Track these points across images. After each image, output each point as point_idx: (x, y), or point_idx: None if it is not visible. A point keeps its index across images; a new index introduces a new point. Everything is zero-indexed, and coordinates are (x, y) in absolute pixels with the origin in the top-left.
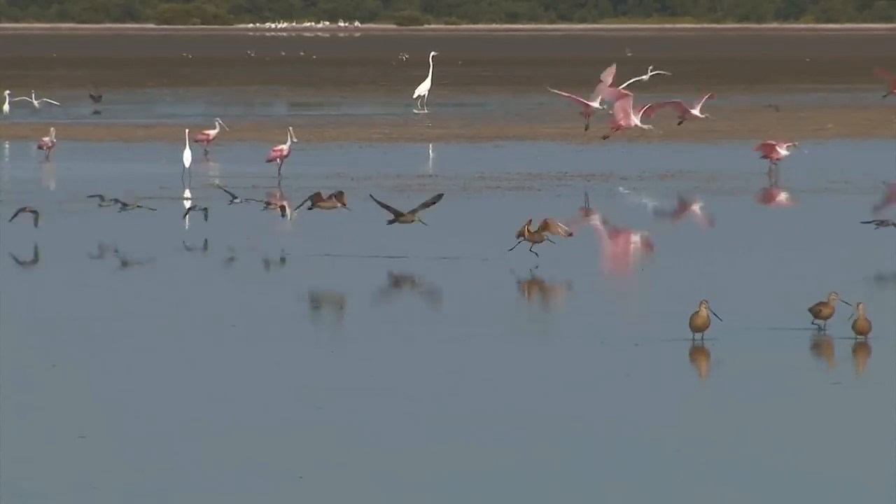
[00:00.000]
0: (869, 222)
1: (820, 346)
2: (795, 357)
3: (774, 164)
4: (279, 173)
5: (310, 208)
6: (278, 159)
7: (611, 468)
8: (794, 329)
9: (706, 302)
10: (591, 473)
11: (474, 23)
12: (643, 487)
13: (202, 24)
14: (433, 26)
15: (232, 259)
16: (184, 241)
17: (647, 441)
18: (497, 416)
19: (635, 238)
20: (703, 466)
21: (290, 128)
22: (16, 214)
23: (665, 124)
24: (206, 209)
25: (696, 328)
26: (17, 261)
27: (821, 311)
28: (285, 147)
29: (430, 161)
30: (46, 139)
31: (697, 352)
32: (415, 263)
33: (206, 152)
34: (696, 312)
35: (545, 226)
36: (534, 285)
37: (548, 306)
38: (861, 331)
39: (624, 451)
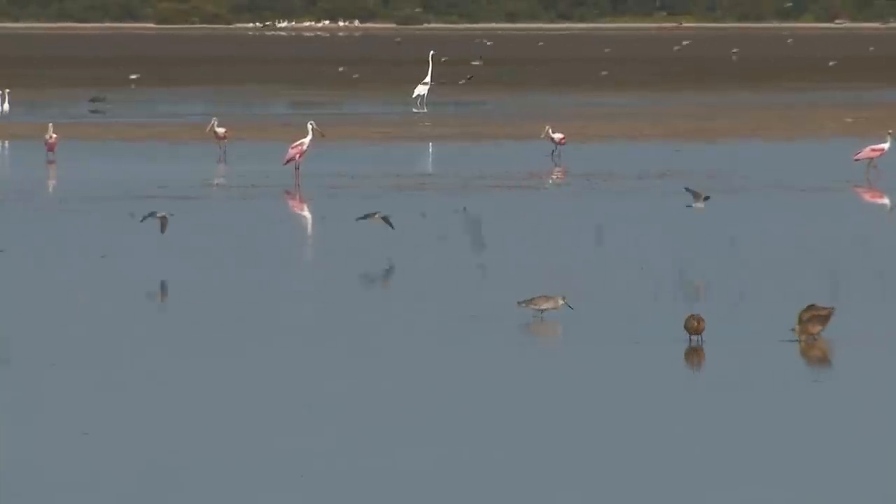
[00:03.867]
0: None
1: (808, 346)
2: (782, 356)
3: (875, 162)
4: (297, 170)
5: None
6: (298, 156)
7: (609, 466)
8: (789, 329)
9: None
10: (590, 472)
11: (474, 22)
12: (642, 486)
13: (202, 23)
14: (433, 25)
15: (233, 258)
16: (185, 241)
17: (646, 439)
18: (496, 415)
19: (635, 237)
20: (700, 464)
21: (311, 122)
22: (146, 217)
23: (666, 123)
24: (163, 217)
25: (691, 331)
26: (17, 260)
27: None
28: (306, 141)
29: (430, 160)
30: (53, 138)
31: (691, 352)
32: (414, 263)
33: (222, 150)
34: (687, 318)
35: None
36: (533, 285)
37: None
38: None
39: (622, 449)
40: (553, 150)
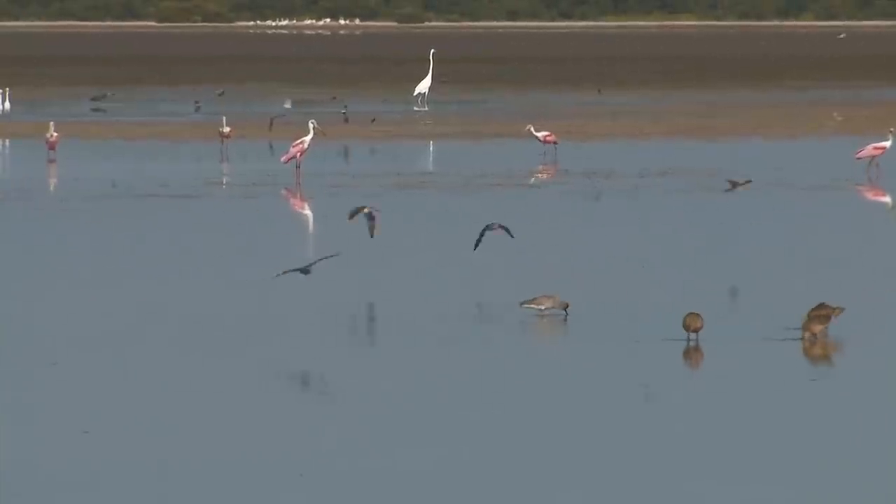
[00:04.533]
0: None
1: (804, 346)
2: (781, 355)
3: (876, 160)
4: (298, 169)
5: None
6: (299, 155)
7: (609, 465)
8: (785, 329)
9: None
10: (590, 471)
11: (475, 20)
12: (642, 485)
13: (203, 21)
14: (434, 24)
15: (234, 261)
16: (184, 243)
17: (645, 438)
18: (496, 414)
19: (637, 235)
20: (700, 463)
21: (312, 121)
22: (354, 213)
23: (667, 121)
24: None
25: (689, 329)
26: (17, 259)
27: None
28: (307, 140)
29: (431, 159)
30: (53, 137)
31: (690, 351)
32: (414, 263)
33: (224, 148)
34: (685, 316)
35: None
36: (534, 285)
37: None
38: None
39: (622, 448)
40: (544, 151)
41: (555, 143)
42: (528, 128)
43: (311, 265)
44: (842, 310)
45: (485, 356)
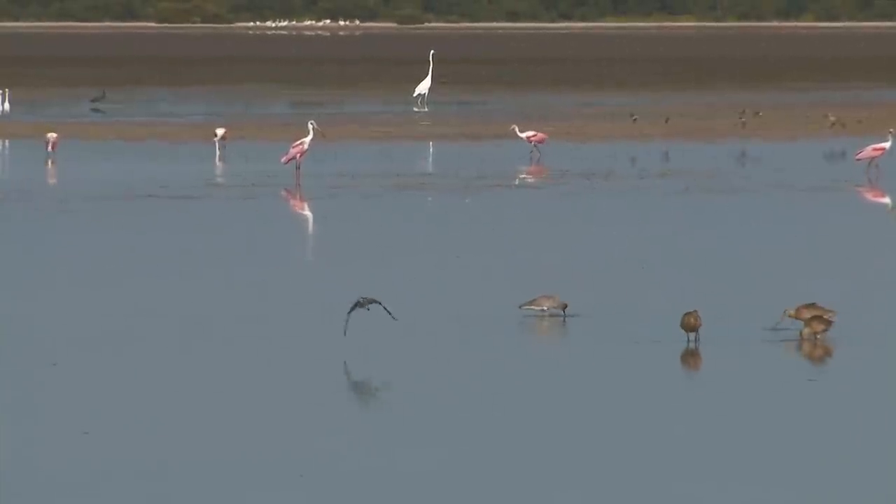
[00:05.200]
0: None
1: (801, 346)
2: (779, 355)
3: (876, 161)
4: (298, 170)
5: None
6: (298, 156)
7: (609, 466)
8: (784, 329)
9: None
10: (589, 472)
11: (475, 21)
12: (642, 486)
13: (202, 22)
14: (434, 25)
15: (234, 261)
16: (184, 244)
17: (645, 439)
18: (496, 415)
19: (636, 235)
20: (700, 464)
21: (312, 122)
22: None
23: (667, 122)
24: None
25: (688, 328)
26: (17, 259)
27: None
28: (307, 141)
29: (431, 160)
30: (53, 138)
31: (689, 351)
32: (414, 263)
33: (222, 149)
34: (683, 316)
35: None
36: (533, 286)
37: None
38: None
39: (622, 449)
40: (531, 150)
41: (541, 141)
42: (512, 128)
43: (367, 304)
44: (834, 313)
45: (484, 357)
